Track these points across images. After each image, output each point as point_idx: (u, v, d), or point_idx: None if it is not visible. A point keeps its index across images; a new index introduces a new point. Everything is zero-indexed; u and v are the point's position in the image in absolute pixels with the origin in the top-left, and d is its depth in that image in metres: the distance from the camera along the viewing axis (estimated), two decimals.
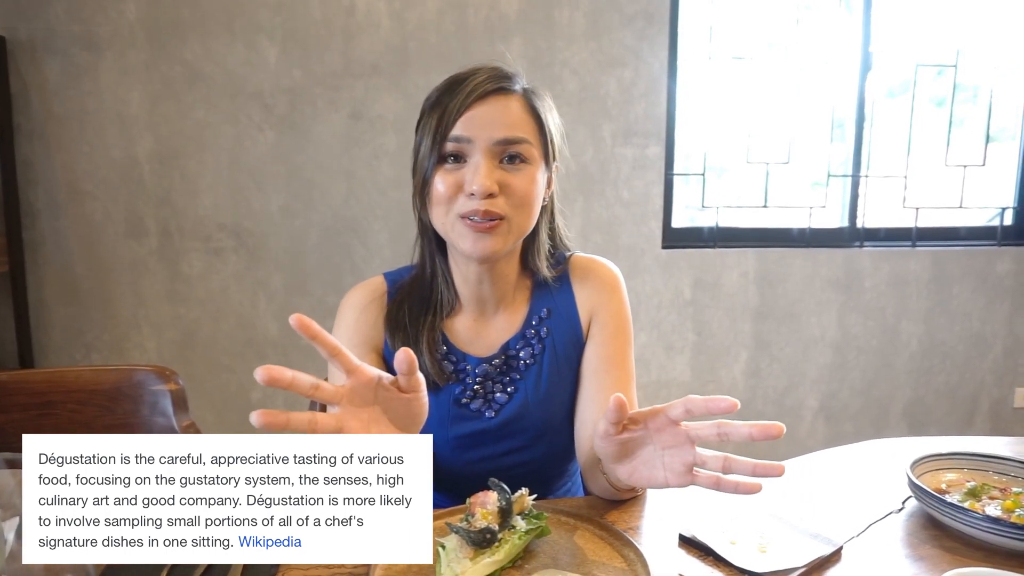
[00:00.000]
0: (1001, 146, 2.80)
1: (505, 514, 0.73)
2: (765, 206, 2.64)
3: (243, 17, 2.22)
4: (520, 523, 0.74)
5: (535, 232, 0.96)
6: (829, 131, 2.65)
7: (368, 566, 0.70)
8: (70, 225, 2.25)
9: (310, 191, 2.34)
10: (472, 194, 0.84)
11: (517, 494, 0.76)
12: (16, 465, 0.46)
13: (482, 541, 0.70)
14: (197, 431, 1.38)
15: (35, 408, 1.29)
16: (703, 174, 2.59)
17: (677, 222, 2.63)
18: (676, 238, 2.62)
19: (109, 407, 1.34)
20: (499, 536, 0.71)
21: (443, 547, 0.71)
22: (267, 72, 2.26)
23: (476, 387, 0.95)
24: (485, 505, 0.73)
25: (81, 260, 2.27)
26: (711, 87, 2.58)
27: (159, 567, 0.71)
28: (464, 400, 0.95)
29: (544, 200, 0.95)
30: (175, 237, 2.30)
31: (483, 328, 0.98)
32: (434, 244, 0.96)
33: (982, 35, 2.67)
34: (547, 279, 0.99)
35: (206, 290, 2.34)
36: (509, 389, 0.96)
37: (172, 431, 1.36)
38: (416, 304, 0.96)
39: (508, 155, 0.86)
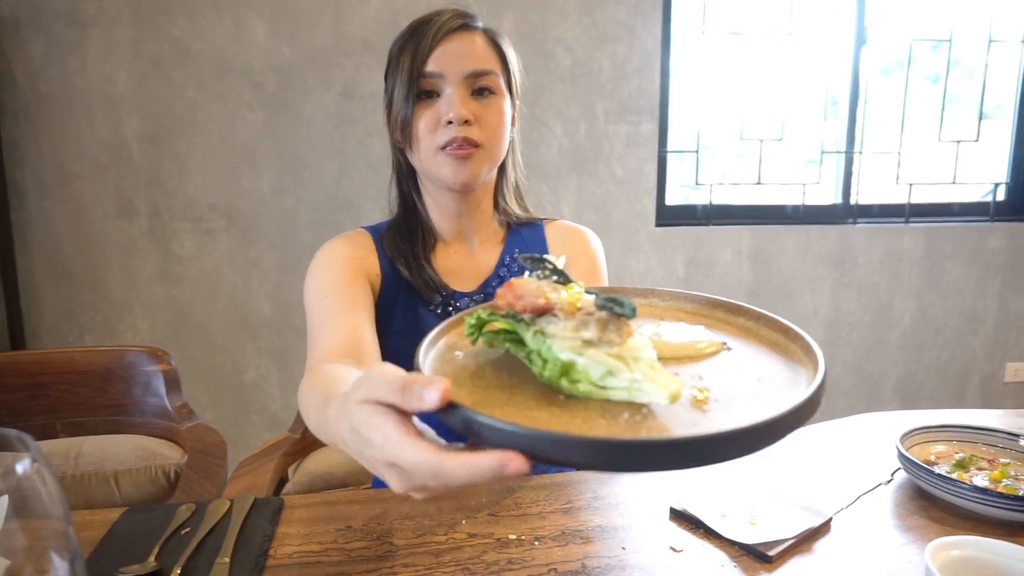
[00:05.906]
0: (994, 122, 2.80)
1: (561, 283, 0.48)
2: (759, 183, 2.64)
3: None
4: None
5: (503, 168, 1.04)
6: (823, 108, 2.64)
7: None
8: (59, 206, 2.23)
9: (301, 170, 2.32)
10: (450, 122, 0.89)
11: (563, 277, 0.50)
12: (3, 447, 0.46)
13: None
14: (190, 411, 1.38)
15: (25, 389, 1.29)
16: (697, 151, 2.58)
17: (671, 199, 2.62)
18: (670, 216, 2.61)
19: (102, 388, 1.34)
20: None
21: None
22: (256, 50, 2.23)
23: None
24: (523, 291, 0.46)
25: (71, 241, 2.25)
26: (705, 63, 2.56)
27: (152, 540, 0.72)
28: None
29: (511, 135, 1.01)
30: (165, 218, 2.28)
31: (464, 261, 1.04)
32: (411, 183, 1.03)
33: (977, 11, 2.65)
34: (519, 221, 1.07)
35: (199, 270, 2.33)
36: None
37: (165, 411, 1.36)
38: (405, 236, 1.02)
39: (478, 87, 0.92)
